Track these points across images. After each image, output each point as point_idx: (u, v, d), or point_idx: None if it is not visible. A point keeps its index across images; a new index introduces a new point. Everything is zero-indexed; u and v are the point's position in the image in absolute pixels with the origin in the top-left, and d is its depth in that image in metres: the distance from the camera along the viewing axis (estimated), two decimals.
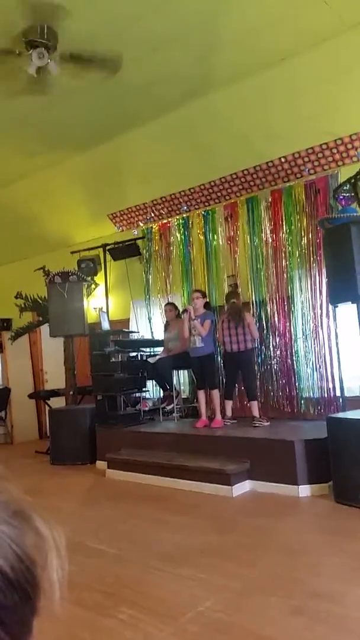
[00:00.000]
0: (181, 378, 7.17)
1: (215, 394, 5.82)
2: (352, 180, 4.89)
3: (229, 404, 6.01)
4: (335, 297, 4.66)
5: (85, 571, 3.17)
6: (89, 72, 4.85)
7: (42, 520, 0.47)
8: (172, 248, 7.52)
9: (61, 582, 0.45)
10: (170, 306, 6.95)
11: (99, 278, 8.10)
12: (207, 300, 6.07)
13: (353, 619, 2.45)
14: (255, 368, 6.22)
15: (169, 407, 6.75)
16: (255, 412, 5.78)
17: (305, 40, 5.03)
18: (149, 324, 7.79)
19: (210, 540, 3.62)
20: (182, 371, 7.03)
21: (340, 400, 5.72)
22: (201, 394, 5.87)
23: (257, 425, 5.65)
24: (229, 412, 6.04)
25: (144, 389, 7.01)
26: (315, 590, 2.74)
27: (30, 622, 0.43)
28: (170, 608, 2.65)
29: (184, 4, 4.41)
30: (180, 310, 6.82)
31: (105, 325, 7.01)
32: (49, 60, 4.47)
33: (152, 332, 7.69)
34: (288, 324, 6.33)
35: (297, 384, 6.23)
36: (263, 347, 6.52)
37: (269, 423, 5.76)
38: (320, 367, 6.03)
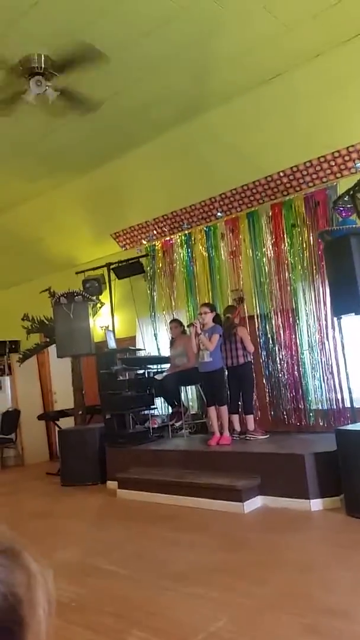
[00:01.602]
0: (189, 394, 7.16)
1: (224, 410, 5.80)
2: (351, 192, 4.92)
3: (235, 419, 6.01)
4: (339, 309, 4.66)
5: (96, 593, 3.15)
6: (70, 108, 5.01)
7: (31, 558, 0.48)
8: (175, 264, 7.57)
9: (47, 616, 0.47)
10: (176, 323, 6.98)
11: (104, 297, 8.15)
12: (217, 313, 6.05)
13: None
14: (252, 382, 6.20)
15: (177, 424, 6.74)
16: (250, 426, 5.90)
17: (299, 56, 5.09)
18: (155, 340, 7.81)
19: (221, 558, 3.60)
20: (190, 387, 7.02)
21: (350, 412, 5.69)
22: (212, 411, 5.84)
23: (249, 438, 5.78)
24: (237, 427, 6.03)
25: (152, 407, 7.01)
26: (329, 606, 2.71)
27: None
28: (182, 629, 2.63)
29: (177, 26, 4.49)
30: (186, 325, 6.83)
31: (112, 344, 7.04)
32: (47, 88, 4.57)
33: (158, 349, 7.71)
34: (294, 336, 6.32)
35: (304, 397, 6.21)
36: (270, 360, 6.52)
37: (266, 436, 5.80)
38: (327, 378, 6.01)
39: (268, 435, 5.85)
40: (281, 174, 6.21)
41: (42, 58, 4.54)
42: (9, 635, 0.43)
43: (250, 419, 5.95)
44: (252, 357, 6.08)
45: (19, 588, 0.45)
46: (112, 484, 6.02)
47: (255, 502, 4.75)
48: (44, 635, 0.46)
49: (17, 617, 0.44)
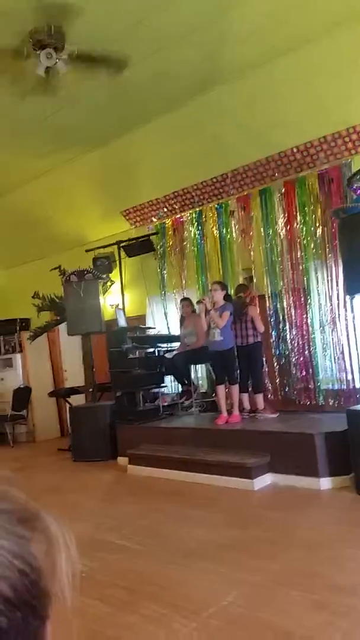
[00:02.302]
0: (199, 373, 7.17)
1: (235, 388, 5.80)
2: None
3: (245, 397, 6.03)
4: (352, 287, 4.61)
5: (108, 567, 3.21)
6: (96, 71, 4.86)
7: (52, 519, 0.47)
8: (186, 243, 7.51)
9: (72, 584, 0.45)
10: (187, 301, 6.95)
11: (114, 275, 8.13)
12: (228, 292, 6.00)
13: None
14: (262, 361, 6.21)
15: (187, 402, 6.77)
16: (260, 405, 5.93)
17: (314, 29, 4.95)
18: (165, 319, 7.80)
19: (231, 534, 3.63)
20: (199, 366, 7.03)
21: None
22: (220, 389, 5.84)
23: (259, 417, 5.82)
24: (246, 405, 6.05)
25: (162, 385, 7.03)
26: (337, 584, 2.74)
27: (39, 632, 0.43)
28: (192, 603, 2.67)
29: (190, 0, 4.38)
30: (195, 302, 6.78)
31: (122, 322, 7.04)
32: (57, 60, 4.48)
33: (168, 328, 7.71)
34: (305, 315, 6.28)
35: (315, 376, 6.20)
36: (280, 339, 6.50)
37: (276, 415, 5.83)
38: (338, 358, 5.98)
39: (278, 414, 5.86)
40: (295, 149, 6.10)
41: (52, 29, 4.44)
42: (32, 613, 0.42)
43: (260, 397, 5.97)
44: (262, 336, 6.06)
45: (39, 559, 0.43)
46: (122, 460, 6.09)
47: (265, 480, 4.78)
48: (69, 605, 0.45)
49: (39, 591, 0.42)
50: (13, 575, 0.41)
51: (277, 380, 6.52)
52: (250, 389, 6.08)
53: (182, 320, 7.03)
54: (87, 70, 4.84)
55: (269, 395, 6.49)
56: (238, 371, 5.86)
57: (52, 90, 4.99)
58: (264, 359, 6.37)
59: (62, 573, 0.44)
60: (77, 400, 7.76)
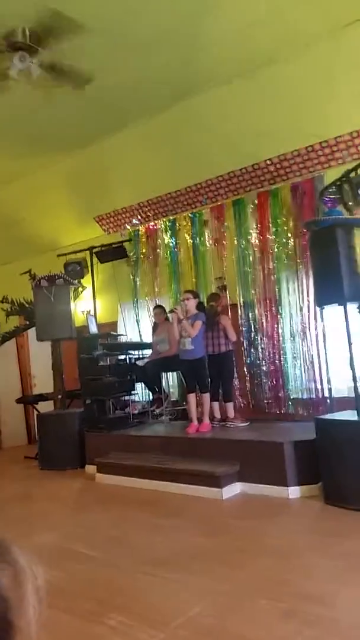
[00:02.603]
0: (170, 380, 7.16)
1: (206, 397, 5.81)
2: (338, 183, 4.92)
3: (215, 406, 6.04)
4: (322, 299, 4.68)
5: (75, 578, 3.15)
6: (60, 83, 4.88)
7: (20, 552, 0.46)
8: (159, 250, 7.52)
9: (37, 615, 0.44)
10: (160, 309, 6.95)
11: (86, 281, 8.07)
12: (200, 301, 6.02)
13: (344, 623, 2.46)
14: (233, 370, 6.25)
15: (158, 410, 6.74)
16: (230, 413, 5.97)
17: (291, 43, 5.05)
18: (137, 326, 7.77)
19: (200, 543, 3.62)
20: (171, 374, 7.02)
21: (328, 401, 5.76)
22: (191, 398, 5.82)
23: (230, 426, 5.85)
24: (217, 414, 6.06)
25: (132, 392, 6.99)
26: (306, 592, 2.75)
27: None
28: (160, 613, 2.64)
29: (168, 6, 4.41)
30: (167, 311, 6.80)
31: (93, 329, 6.98)
32: (31, 63, 4.45)
33: (140, 335, 7.68)
34: (276, 325, 6.35)
35: (285, 386, 6.26)
36: (252, 348, 6.54)
37: (246, 424, 5.86)
38: (308, 368, 6.06)
39: (248, 423, 5.89)
40: (268, 162, 6.18)
41: (26, 32, 4.41)
42: None
43: (230, 406, 5.99)
44: (233, 345, 6.10)
45: (7, 591, 0.42)
46: (91, 469, 6.01)
47: (234, 489, 4.79)
48: (34, 636, 0.44)
49: (6, 624, 0.41)
50: None
51: (248, 389, 6.56)
52: (220, 398, 6.09)
53: (155, 327, 7.02)
54: (52, 81, 4.86)
55: (240, 404, 6.52)
56: (209, 380, 5.87)
57: (26, 94, 4.96)
58: (236, 367, 6.41)
59: (29, 606, 0.44)
60: (46, 407, 7.64)
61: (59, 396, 7.24)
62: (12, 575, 0.44)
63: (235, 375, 6.45)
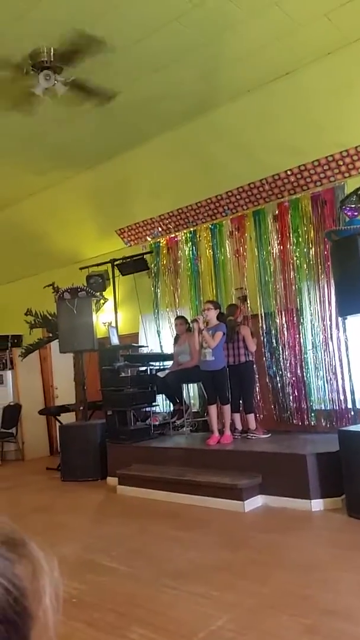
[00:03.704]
0: (191, 392, 7.15)
1: (227, 409, 5.78)
2: (359, 192, 4.89)
3: (236, 417, 6.00)
4: (344, 309, 4.64)
5: (96, 590, 3.15)
6: (84, 100, 4.98)
7: (36, 547, 0.47)
8: (180, 262, 7.55)
9: (54, 610, 0.45)
10: (181, 320, 6.94)
11: (108, 293, 8.14)
12: (222, 311, 6.01)
13: None
14: (253, 381, 6.24)
15: (179, 422, 6.73)
16: (252, 425, 5.91)
17: (309, 54, 5.07)
18: (158, 337, 7.80)
19: (222, 556, 3.59)
20: (192, 385, 7.01)
21: (352, 412, 5.68)
22: (212, 409, 5.80)
23: (251, 437, 5.80)
24: (238, 426, 6.02)
25: (153, 404, 7.00)
26: (329, 607, 2.70)
27: None
28: (182, 627, 2.62)
29: (188, 23, 4.47)
30: (190, 320, 6.79)
31: (115, 340, 7.02)
32: (56, 82, 4.56)
33: (161, 346, 7.70)
34: (297, 335, 6.31)
35: (307, 396, 6.19)
36: (273, 359, 6.50)
37: (268, 435, 5.81)
38: (330, 379, 5.99)
39: (270, 435, 5.84)
40: (288, 172, 6.18)
41: (51, 51, 4.52)
42: (14, 629, 0.42)
43: (251, 417, 5.95)
44: (253, 356, 6.07)
45: (23, 580, 0.44)
46: (112, 480, 6.01)
47: (256, 501, 4.74)
48: (52, 629, 0.45)
49: (22, 609, 0.43)
50: None
51: (270, 400, 6.51)
52: (241, 409, 6.06)
53: (177, 338, 7.03)
54: (75, 99, 4.96)
55: (260, 415, 6.47)
56: (230, 391, 5.85)
57: (30, 111, 5.06)
58: (257, 377, 6.38)
59: (46, 597, 0.45)
60: (68, 418, 7.69)
61: (81, 407, 7.29)
62: (28, 567, 0.45)
63: (257, 386, 6.41)
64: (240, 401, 6.04)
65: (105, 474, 6.31)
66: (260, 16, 4.45)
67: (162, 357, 7.36)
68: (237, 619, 2.66)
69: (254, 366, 6.18)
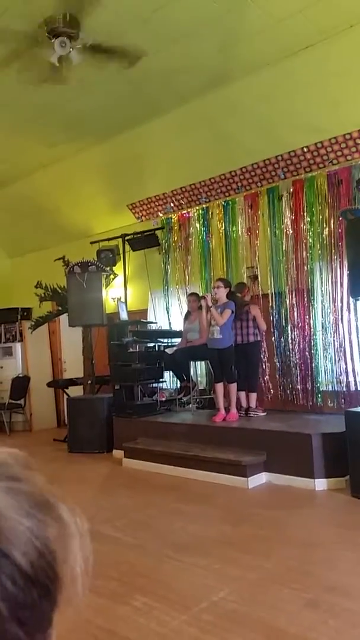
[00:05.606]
0: (198, 369, 7.16)
1: (233, 387, 5.79)
2: None
3: (242, 396, 6.02)
4: (357, 290, 4.59)
5: (100, 559, 3.17)
6: (108, 63, 4.85)
7: (67, 509, 0.46)
8: (191, 239, 7.49)
9: (84, 574, 0.45)
10: (194, 296, 6.88)
11: (118, 268, 8.11)
12: (232, 290, 5.96)
13: None
14: (260, 361, 6.28)
15: (185, 398, 6.76)
16: (252, 403, 5.99)
17: (330, 29, 4.92)
18: (167, 314, 7.78)
19: (225, 530, 3.63)
20: (199, 362, 7.02)
21: None
22: (219, 387, 5.82)
23: (252, 415, 5.90)
24: (244, 404, 6.04)
25: (161, 380, 7.02)
26: (330, 584, 2.73)
27: (50, 617, 0.43)
28: (184, 597, 2.67)
29: None
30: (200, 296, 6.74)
31: (124, 316, 7.02)
32: (71, 49, 4.46)
33: (169, 323, 7.69)
34: (307, 316, 6.26)
35: (314, 377, 6.18)
36: (282, 339, 6.48)
37: (265, 414, 5.93)
38: (339, 360, 5.97)
39: (265, 413, 5.93)
40: (305, 149, 6.07)
41: (68, 17, 4.41)
42: (45, 593, 0.41)
43: (253, 396, 6.01)
44: (262, 336, 6.06)
45: (54, 543, 0.43)
46: (118, 453, 6.08)
47: (260, 478, 4.78)
48: (81, 594, 0.45)
49: (53, 573, 0.42)
50: (33, 553, 0.40)
51: (277, 380, 6.51)
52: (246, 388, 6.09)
53: (187, 315, 7.00)
54: (98, 61, 4.83)
55: (268, 395, 6.49)
56: (236, 370, 5.84)
57: (64, 79, 4.96)
58: (265, 358, 6.37)
59: (74, 560, 0.44)
60: (75, 391, 7.76)
61: (89, 381, 7.34)
62: (57, 530, 0.44)
63: (267, 365, 6.42)
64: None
65: (112, 447, 6.38)
66: None
67: (171, 333, 7.36)
68: (238, 591, 2.70)
69: (262, 346, 6.17)
